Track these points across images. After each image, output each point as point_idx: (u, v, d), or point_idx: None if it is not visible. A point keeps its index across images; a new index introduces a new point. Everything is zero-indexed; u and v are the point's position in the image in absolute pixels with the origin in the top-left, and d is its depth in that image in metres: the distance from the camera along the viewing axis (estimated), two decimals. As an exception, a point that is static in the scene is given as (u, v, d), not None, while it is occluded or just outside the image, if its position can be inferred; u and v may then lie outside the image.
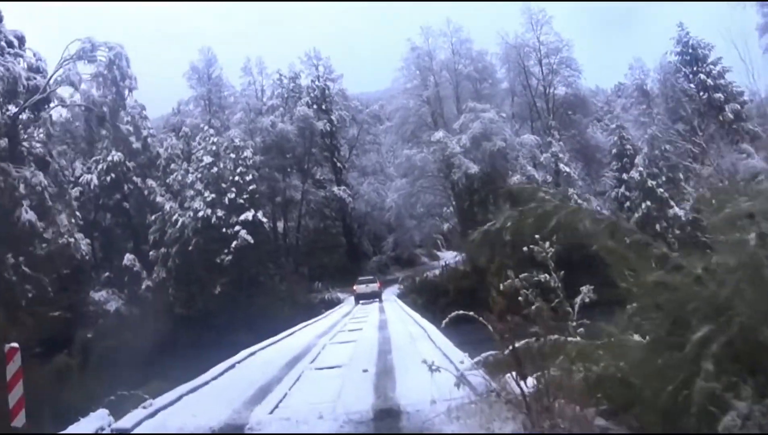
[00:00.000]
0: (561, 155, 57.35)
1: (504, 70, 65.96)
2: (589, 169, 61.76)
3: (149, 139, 68.85)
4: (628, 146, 60.12)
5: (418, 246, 76.30)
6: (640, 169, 55.69)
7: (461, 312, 8.35)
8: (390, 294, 57.46)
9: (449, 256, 75.38)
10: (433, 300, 51.28)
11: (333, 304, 56.96)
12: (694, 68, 64.58)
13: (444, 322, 8.53)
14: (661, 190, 54.66)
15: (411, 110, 64.80)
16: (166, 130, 72.50)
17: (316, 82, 75.63)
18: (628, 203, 57.36)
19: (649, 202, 54.12)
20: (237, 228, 55.78)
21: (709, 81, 63.64)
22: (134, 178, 64.83)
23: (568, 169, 56.67)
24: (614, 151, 60.97)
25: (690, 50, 64.91)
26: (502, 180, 57.11)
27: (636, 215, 54.09)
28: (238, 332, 51.07)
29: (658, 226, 52.74)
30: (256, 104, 72.80)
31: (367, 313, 38.16)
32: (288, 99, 73.75)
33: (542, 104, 63.99)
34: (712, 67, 64.32)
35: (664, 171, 55.99)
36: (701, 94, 63.36)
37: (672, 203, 54.43)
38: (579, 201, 52.75)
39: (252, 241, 55.51)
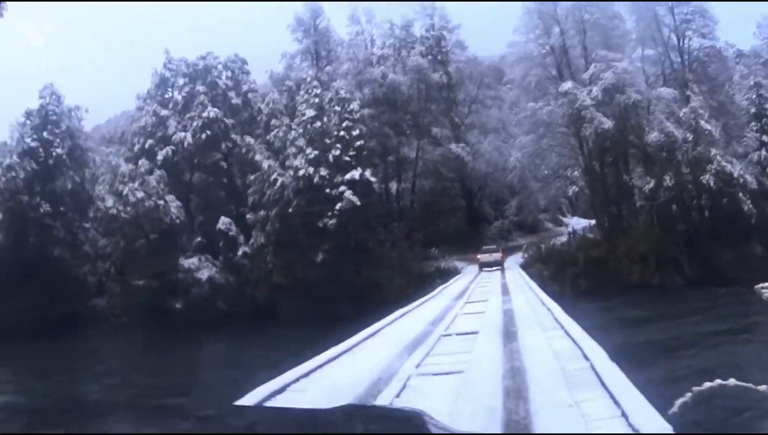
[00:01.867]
0: (701, 111, 50.07)
1: (633, 19, 58.52)
2: (726, 128, 53.35)
3: (250, 95, 64.09)
4: (768, 105, 53.96)
5: (542, 210, 69.05)
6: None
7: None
8: (513, 263, 51.75)
9: (575, 223, 68.71)
10: (560, 270, 48.53)
11: (449, 273, 50.59)
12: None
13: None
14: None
15: (534, 60, 58.25)
16: (272, 87, 66.94)
17: (431, 32, 68.38)
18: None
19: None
20: (342, 188, 50.31)
21: None
22: (233, 135, 60.07)
23: (709, 127, 49.43)
24: (753, 110, 54.65)
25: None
26: (637, 137, 52.09)
27: (782, 180, 48.61)
28: (342, 304, 47.00)
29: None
30: (364, 55, 66.28)
31: (488, 294, 29.00)
32: (400, 49, 67.06)
33: (675, 57, 56.81)
34: None
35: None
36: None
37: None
38: (722, 163, 47.29)
39: (359, 203, 49.87)
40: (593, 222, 59.61)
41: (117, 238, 55.13)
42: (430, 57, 65.46)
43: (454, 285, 38.59)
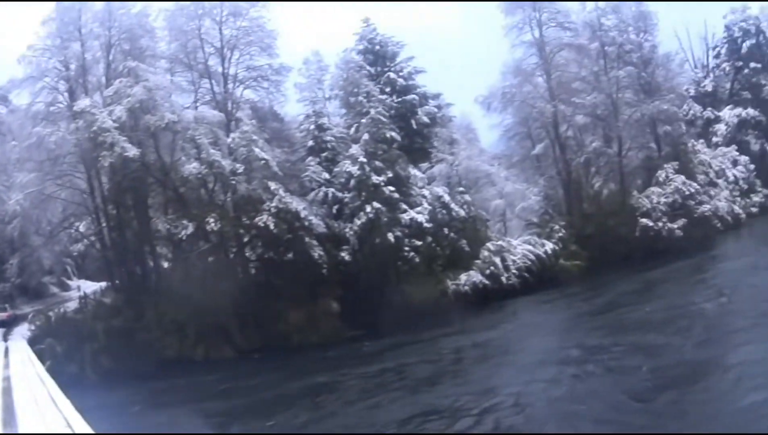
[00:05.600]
0: (255, 137, 44.34)
1: (168, 37, 49.44)
2: (283, 167, 47.60)
3: None
4: (329, 137, 50.21)
5: (48, 272, 57.67)
6: (361, 160, 46.43)
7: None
8: (20, 338, 40.43)
9: (84, 286, 58.31)
10: (77, 346, 39.17)
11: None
12: (379, 68, 58.52)
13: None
14: (391, 188, 46.24)
15: (46, 81, 46.33)
16: None
17: None
18: (337, 206, 47.47)
19: (376, 204, 45.11)
20: None
21: (400, 81, 58.12)
22: None
23: (266, 156, 43.85)
24: (310, 143, 50.16)
25: (377, 47, 59.20)
26: (168, 171, 44.29)
27: (359, 221, 45.13)
28: None
29: (391, 236, 44.81)
30: None
31: None
32: None
33: (217, 83, 48.95)
34: (403, 66, 59.53)
35: (386, 165, 47.57)
36: (392, 95, 56.46)
37: (405, 206, 46.72)
38: (286, 200, 42.68)
39: None
40: (104, 284, 50.95)
41: None
42: None
43: None
